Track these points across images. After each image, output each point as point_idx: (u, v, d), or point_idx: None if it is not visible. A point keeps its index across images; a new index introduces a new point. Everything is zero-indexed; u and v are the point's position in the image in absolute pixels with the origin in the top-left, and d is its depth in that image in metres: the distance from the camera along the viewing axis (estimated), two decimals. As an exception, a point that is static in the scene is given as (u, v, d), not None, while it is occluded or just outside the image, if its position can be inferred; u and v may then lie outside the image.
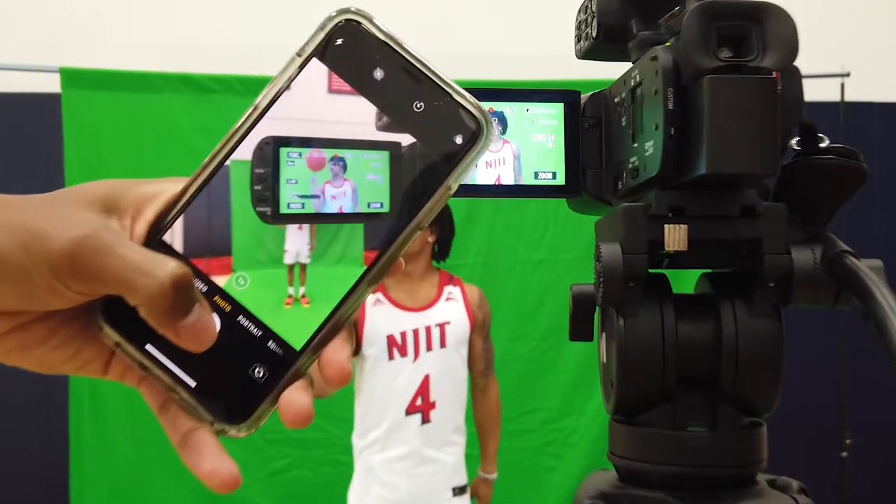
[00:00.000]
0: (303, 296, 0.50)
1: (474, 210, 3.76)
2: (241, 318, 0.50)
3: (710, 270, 0.75)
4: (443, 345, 2.80)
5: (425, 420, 2.79)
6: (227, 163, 0.50)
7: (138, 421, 3.58)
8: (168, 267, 0.46)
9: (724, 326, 0.69)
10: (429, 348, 2.78)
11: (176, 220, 0.50)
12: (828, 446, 4.05)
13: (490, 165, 0.78)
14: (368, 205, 0.49)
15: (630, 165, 0.72)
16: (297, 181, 0.49)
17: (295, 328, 0.50)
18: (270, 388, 0.50)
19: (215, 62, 3.85)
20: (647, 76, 0.68)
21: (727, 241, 0.68)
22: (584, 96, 0.80)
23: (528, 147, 0.78)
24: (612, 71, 0.79)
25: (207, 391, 0.50)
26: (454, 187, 0.50)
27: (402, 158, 0.49)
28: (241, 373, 0.50)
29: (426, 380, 2.78)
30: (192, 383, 0.50)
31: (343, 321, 0.50)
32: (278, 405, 0.49)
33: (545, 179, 0.78)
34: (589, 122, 0.78)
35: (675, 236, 0.67)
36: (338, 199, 0.49)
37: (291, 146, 0.50)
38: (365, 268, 0.50)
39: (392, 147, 0.49)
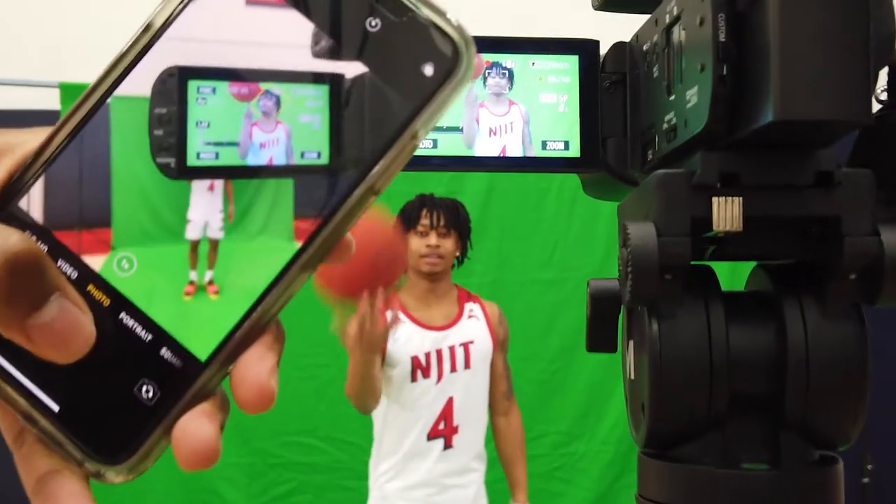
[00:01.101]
0: (210, 282, 0.38)
1: (481, 226, 3.64)
2: (123, 315, 0.38)
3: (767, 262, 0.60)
4: (467, 365, 2.67)
5: (447, 445, 2.65)
6: (109, 101, 0.38)
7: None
8: (5, 242, 0.33)
9: (790, 332, 0.54)
10: (453, 369, 2.66)
11: (36, 180, 0.38)
12: (848, 472, 3.87)
13: (494, 133, 0.62)
14: (302, 154, 0.37)
15: (665, 125, 0.56)
16: (210, 124, 0.38)
17: (199, 329, 0.38)
18: (164, 414, 0.37)
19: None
20: (689, 4, 0.52)
21: (795, 220, 0.52)
22: (604, 49, 0.64)
23: (534, 110, 0.63)
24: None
25: (76, 419, 0.37)
26: (421, 135, 0.37)
27: (348, 95, 0.37)
28: (123, 393, 0.37)
29: (450, 403, 2.65)
30: (56, 407, 0.37)
31: (267, 320, 0.38)
32: (172, 437, 0.37)
33: (555, 150, 0.63)
34: (610, 78, 0.63)
35: (727, 212, 0.51)
36: (268, 147, 0.37)
37: (203, 78, 0.38)
38: (298, 244, 0.37)
39: (333, 80, 0.37)
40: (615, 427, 3.57)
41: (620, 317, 0.61)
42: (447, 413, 2.64)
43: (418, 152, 0.64)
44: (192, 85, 0.37)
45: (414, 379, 2.63)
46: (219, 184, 0.38)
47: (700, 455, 0.56)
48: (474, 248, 3.58)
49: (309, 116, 0.37)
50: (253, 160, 0.37)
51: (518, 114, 0.62)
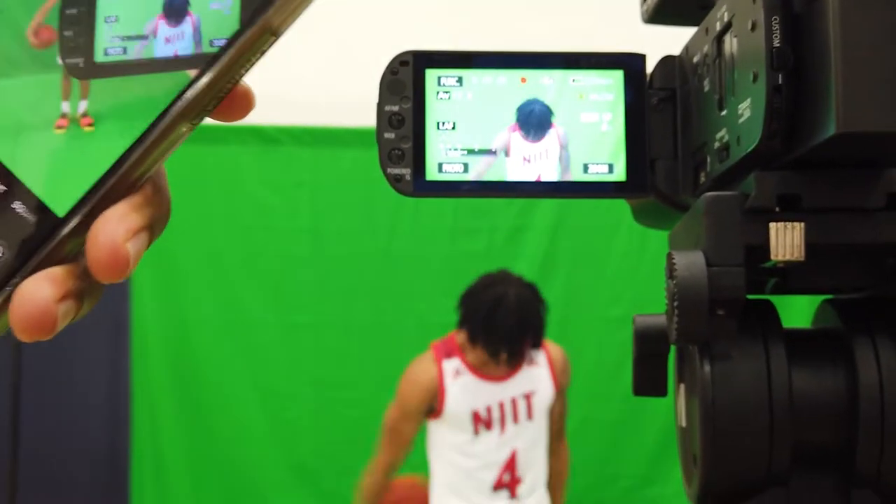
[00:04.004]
0: (84, 115, 0.35)
1: (549, 262, 3.58)
2: None
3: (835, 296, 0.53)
4: (529, 416, 2.62)
5: (512, 496, 2.60)
6: None
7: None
8: None
9: (862, 375, 0.48)
10: (515, 420, 2.60)
11: None
12: None
13: (528, 161, 0.57)
14: (211, 43, 0.35)
15: (717, 144, 0.51)
16: (118, 18, 0.36)
17: (61, 180, 0.34)
18: (8, 276, 0.34)
19: (282, 113, 3.76)
20: (741, 8, 0.47)
21: (865, 248, 0.46)
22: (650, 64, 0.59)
23: (575, 131, 0.58)
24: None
25: None
26: None
27: None
28: None
29: (513, 455, 2.60)
30: None
31: (138, 173, 0.34)
32: (11, 302, 0.33)
33: (598, 174, 0.57)
34: (658, 95, 0.58)
35: (787, 239, 0.45)
36: (174, 40, 0.36)
37: None
38: (189, 76, 0.34)
39: None
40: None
41: (671, 357, 0.56)
42: (511, 465, 2.60)
43: (449, 178, 0.60)
44: None
45: (476, 432, 2.59)
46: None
47: None
48: (542, 285, 3.53)
49: (219, 4, 0.35)
50: (157, 53, 0.35)
51: (555, 138, 0.57)
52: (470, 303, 2.51)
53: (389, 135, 0.56)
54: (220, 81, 0.34)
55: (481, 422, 2.57)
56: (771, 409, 0.48)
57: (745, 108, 0.47)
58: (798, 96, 0.44)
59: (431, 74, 0.57)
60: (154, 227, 0.35)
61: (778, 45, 0.44)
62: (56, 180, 0.34)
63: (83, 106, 0.35)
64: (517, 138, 0.58)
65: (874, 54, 0.41)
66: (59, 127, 0.35)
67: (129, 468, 3.53)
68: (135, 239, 0.33)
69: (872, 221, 0.46)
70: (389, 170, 0.56)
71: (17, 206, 0.34)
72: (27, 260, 0.34)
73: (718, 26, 0.51)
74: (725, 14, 0.50)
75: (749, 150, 0.46)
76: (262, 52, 0.35)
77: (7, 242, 0.34)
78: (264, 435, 3.44)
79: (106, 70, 0.35)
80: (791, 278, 0.50)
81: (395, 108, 0.56)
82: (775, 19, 0.44)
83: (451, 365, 2.58)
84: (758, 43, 0.45)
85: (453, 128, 0.57)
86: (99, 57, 0.35)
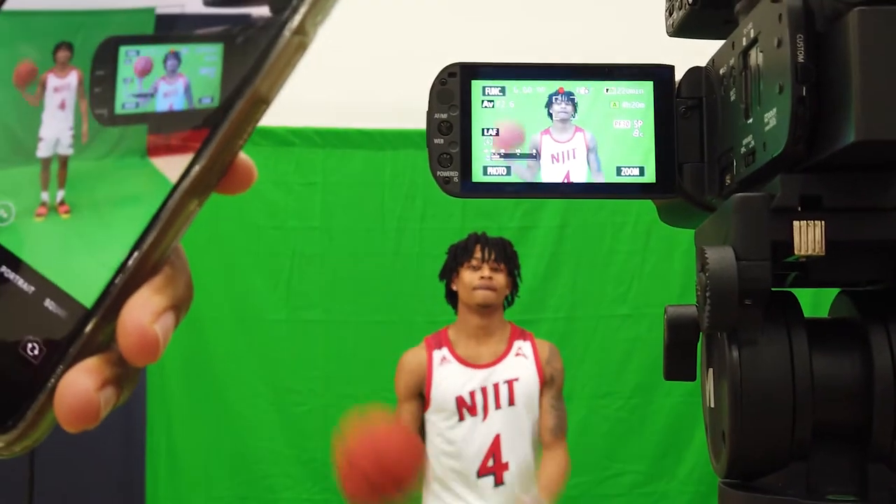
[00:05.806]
0: (61, 203, 0.37)
1: (555, 261, 3.63)
2: (4, 268, 0.36)
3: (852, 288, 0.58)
4: (511, 402, 2.67)
5: (498, 482, 2.65)
6: None
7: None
8: None
9: (877, 359, 0.53)
10: (497, 406, 2.66)
11: None
12: None
13: (557, 160, 0.62)
14: (199, 100, 0.39)
15: (743, 149, 0.55)
16: (132, 79, 0.40)
17: (84, 268, 0.36)
18: (49, 373, 0.35)
19: (293, 115, 3.80)
20: (767, 26, 0.52)
21: (880, 244, 0.51)
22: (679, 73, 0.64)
23: (608, 136, 0.62)
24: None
25: None
26: (311, 31, 0.38)
27: (238, 46, 0.39)
28: (8, 353, 0.35)
29: (497, 440, 2.65)
30: None
31: (156, 257, 0.36)
32: (54, 396, 0.35)
33: (630, 176, 0.62)
34: (686, 103, 0.62)
35: (809, 236, 0.50)
36: (169, 96, 0.40)
37: (130, 44, 0.41)
38: (152, 161, 0.37)
39: (227, 38, 0.39)
40: (695, 467, 3.48)
41: (699, 346, 0.60)
42: (495, 450, 2.65)
43: (493, 180, 0.64)
44: (123, 50, 0.40)
45: (461, 418, 2.65)
46: (70, 101, 0.39)
47: (784, 486, 0.54)
48: (547, 284, 3.55)
49: (207, 69, 0.39)
50: (157, 107, 0.38)
51: (581, 140, 0.62)
52: (449, 251, 2.75)
53: (439, 140, 0.61)
54: (220, 155, 0.37)
55: (465, 407, 2.65)
56: (794, 390, 0.53)
57: (770, 117, 0.51)
58: (820, 107, 0.49)
59: (477, 85, 0.62)
60: (180, 305, 0.37)
61: (802, 60, 0.48)
62: (78, 272, 0.36)
63: (60, 195, 0.37)
64: (547, 139, 0.62)
65: (890, 69, 0.45)
66: (39, 215, 0.37)
67: (143, 461, 3.57)
68: (161, 320, 0.35)
69: (887, 219, 0.51)
70: (439, 172, 0.61)
71: (48, 303, 0.35)
72: (64, 354, 0.35)
73: (745, 41, 0.55)
74: (752, 30, 0.54)
75: (775, 155, 0.51)
76: (256, 121, 0.38)
77: (43, 340, 0.35)
78: (275, 430, 3.48)
79: (122, 120, 0.39)
80: (811, 272, 0.54)
81: (444, 116, 0.61)
82: (800, 37, 0.49)
83: (440, 354, 2.69)
84: (783, 58, 0.49)
85: (497, 134, 0.62)
86: (118, 110, 0.39)
